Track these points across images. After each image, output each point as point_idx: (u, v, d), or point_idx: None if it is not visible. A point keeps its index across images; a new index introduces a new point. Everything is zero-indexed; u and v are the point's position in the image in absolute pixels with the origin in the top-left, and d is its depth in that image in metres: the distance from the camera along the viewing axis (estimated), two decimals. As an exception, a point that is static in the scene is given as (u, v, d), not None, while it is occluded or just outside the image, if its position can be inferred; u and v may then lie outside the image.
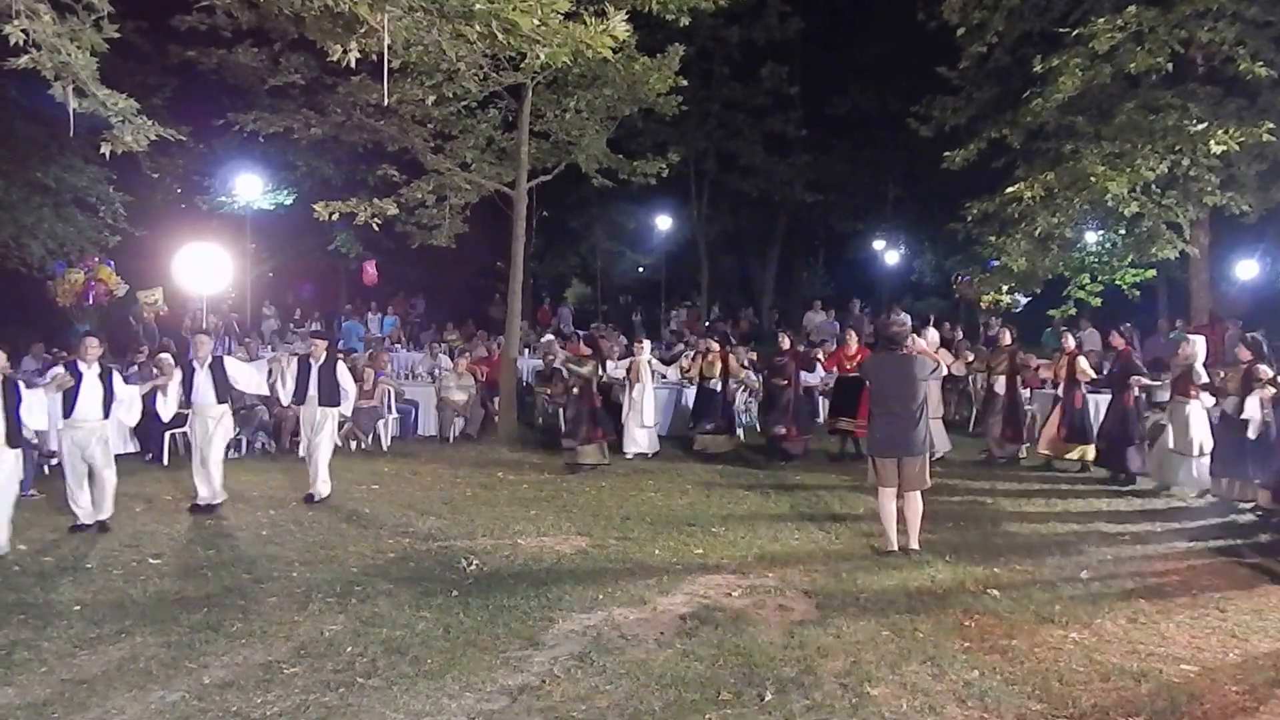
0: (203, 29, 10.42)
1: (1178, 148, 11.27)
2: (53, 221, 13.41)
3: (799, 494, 8.99)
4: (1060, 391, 10.27)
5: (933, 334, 11.23)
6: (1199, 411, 8.92)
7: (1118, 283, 14.80)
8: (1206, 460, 8.80)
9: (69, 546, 6.88)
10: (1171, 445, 9.04)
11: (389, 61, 7.14)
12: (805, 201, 23.91)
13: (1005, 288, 13.43)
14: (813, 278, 31.42)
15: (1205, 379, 8.89)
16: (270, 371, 8.71)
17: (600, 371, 10.73)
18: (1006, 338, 11.03)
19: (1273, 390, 7.99)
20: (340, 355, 10.05)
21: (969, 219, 13.31)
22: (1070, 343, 10.53)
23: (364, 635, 5.04)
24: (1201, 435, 8.89)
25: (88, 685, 4.40)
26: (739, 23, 20.66)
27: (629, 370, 11.16)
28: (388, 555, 6.71)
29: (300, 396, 8.59)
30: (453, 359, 14.04)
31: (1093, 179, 11.24)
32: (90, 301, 14.06)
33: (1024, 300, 15.42)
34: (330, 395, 8.58)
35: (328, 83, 11.37)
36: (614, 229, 26.01)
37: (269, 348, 15.76)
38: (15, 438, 6.79)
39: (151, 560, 6.54)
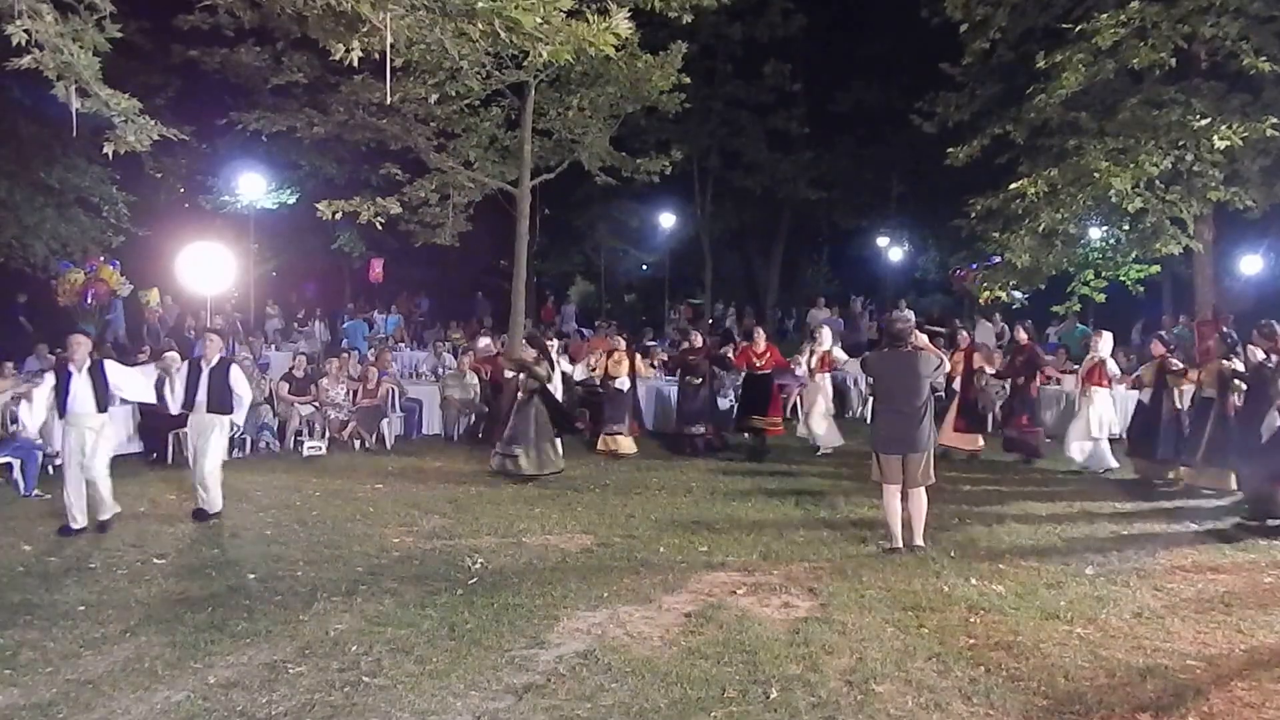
0: (205, 28, 10.44)
1: (1181, 143, 11.23)
2: (56, 222, 13.40)
3: (804, 492, 8.97)
4: (958, 384, 10.89)
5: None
6: (1106, 399, 10.06)
7: (1122, 278, 14.75)
8: (1106, 443, 10.02)
9: (74, 547, 6.89)
10: (1080, 429, 10.06)
11: (391, 60, 7.14)
12: (809, 198, 23.87)
13: (1009, 283, 13.40)
14: (817, 275, 31.36)
15: (1116, 370, 10.07)
16: (160, 377, 7.95)
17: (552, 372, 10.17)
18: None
19: (1188, 382, 8.99)
20: (242, 359, 9.31)
21: (973, 215, 13.28)
22: (964, 337, 11.30)
23: (369, 634, 5.04)
24: (1108, 420, 10.07)
25: (93, 685, 4.39)
26: (741, 20, 20.61)
27: None
28: (392, 554, 6.71)
29: (189, 402, 7.74)
30: (456, 358, 14.05)
31: (1096, 175, 11.21)
32: (89, 302, 14.02)
33: (1020, 295, 15.35)
34: (221, 401, 7.78)
35: (330, 82, 11.38)
36: (617, 227, 25.96)
37: (272, 347, 15.78)
38: None
39: (156, 560, 6.54)
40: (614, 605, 5.54)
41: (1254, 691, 4.38)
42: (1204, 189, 11.65)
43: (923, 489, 6.73)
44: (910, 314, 7.50)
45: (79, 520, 7.23)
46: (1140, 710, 4.16)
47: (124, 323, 15.43)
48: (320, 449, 10.84)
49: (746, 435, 11.44)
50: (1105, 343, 10.17)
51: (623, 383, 11.06)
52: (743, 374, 11.56)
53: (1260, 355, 8.02)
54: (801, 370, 11.53)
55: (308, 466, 10.22)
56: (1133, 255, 13.43)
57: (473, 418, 12.58)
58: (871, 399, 11.28)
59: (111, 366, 7.56)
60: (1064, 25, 11.77)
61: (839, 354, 11.48)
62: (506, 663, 4.66)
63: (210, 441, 7.73)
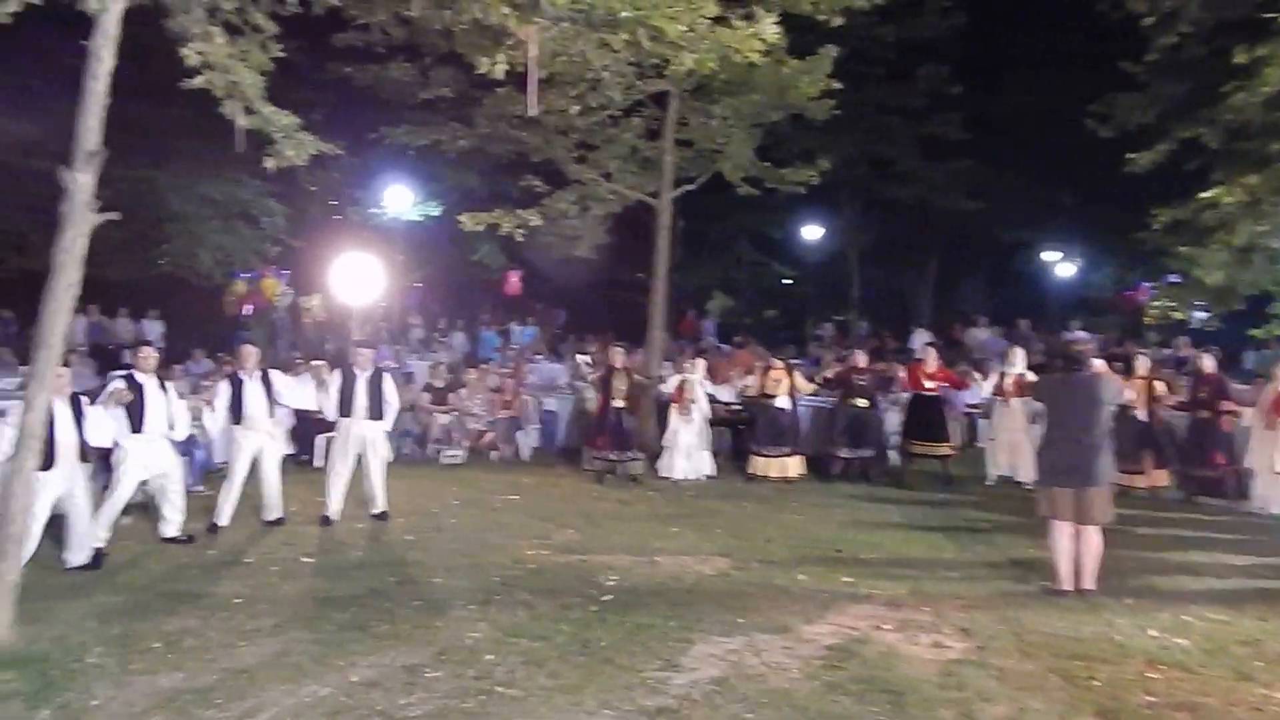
0: (359, 46, 10.85)
1: None
2: (220, 234, 14.31)
3: (958, 527, 8.30)
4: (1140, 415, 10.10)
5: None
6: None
7: (1332, 301, 13.11)
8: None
9: (230, 543, 7.24)
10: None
11: (535, 73, 7.17)
12: (966, 210, 22.56)
13: (1194, 304, 12.17)
14: (975, 293, 29.62)
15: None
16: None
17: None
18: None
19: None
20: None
21: (1156, 227, 12.13)
22: (1143, 363, 10.41)
23: (503, 644, 5.02)
24: None
25: (247, 674, 4.58)
26: (895, 21, 19.73)
27: (678, 390, 10.51)
28: (527, 566, 6.70)
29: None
30: (594, 370, 14.04)
31: (1305, 183, 10.01)
32: (244, 311, 14.79)
33: (1202, 316, 13.86)
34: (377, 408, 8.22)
35: (474, 95, 11.61)
36: (758, 239, 25.50)
37: (414, 356, 16.32)
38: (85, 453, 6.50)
39: (304, 559, 6.79)
40: (750, 632, 5.30)
41: None
42: None
43: (1097, 528, 6.09)
44: (1085, 334, 6.85)
45: (224, 518, 7.62)
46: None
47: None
48: (459, 458, 11.05)
49: (908, 460, 10.70)
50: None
51: (783, 402, 10.52)
52: (907, 396, 10.88)
53: None
54: (986, 393, 10.74)
55: (446, 475, 10.44)
56: (1347, 275, 11.91)
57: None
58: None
59: (276, 375, 8.08)
60: (1267, 15, 10.61)
61: (1032, 377, 10.48)
62: (639, 683, 4.53)
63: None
